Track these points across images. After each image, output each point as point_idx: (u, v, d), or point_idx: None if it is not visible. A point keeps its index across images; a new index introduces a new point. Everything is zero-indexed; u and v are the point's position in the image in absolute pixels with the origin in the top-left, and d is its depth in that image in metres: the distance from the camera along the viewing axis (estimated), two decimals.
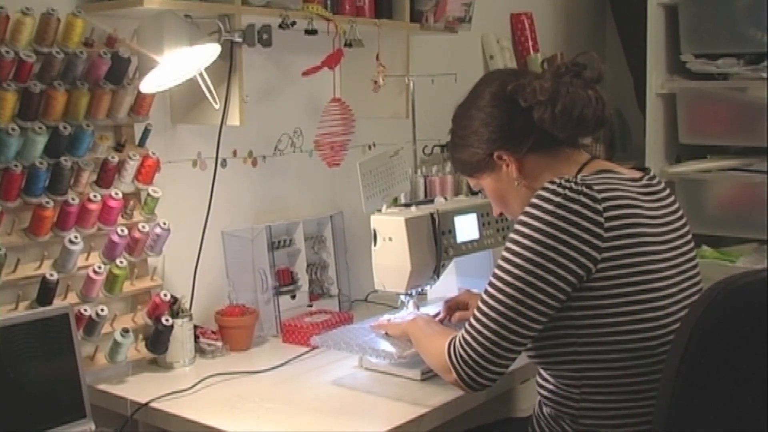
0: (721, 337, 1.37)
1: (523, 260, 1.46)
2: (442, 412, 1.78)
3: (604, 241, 1.43)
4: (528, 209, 1.48)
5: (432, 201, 2.18)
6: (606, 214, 1.44)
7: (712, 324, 1.35)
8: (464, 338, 1.54)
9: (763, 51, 2.86)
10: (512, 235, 1.49)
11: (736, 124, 3.04)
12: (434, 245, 1.99)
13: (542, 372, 1.62)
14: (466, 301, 2.04)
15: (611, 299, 1.45)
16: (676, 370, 1.35)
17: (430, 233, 1.99)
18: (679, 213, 1.62)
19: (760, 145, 2.90)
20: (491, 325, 1.49)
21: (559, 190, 1.45)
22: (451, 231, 2.04)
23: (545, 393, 1.61)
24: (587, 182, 1.47)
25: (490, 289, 1.50)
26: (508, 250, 1.49)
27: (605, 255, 1.43)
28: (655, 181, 1.62)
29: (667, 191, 1.64)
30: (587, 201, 1.44)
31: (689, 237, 1.62)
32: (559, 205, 1.44)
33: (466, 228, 2.09)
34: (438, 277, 2.05)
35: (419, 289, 2.06)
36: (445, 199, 2.23)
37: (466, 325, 1.54)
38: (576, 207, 1.43)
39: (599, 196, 1.45)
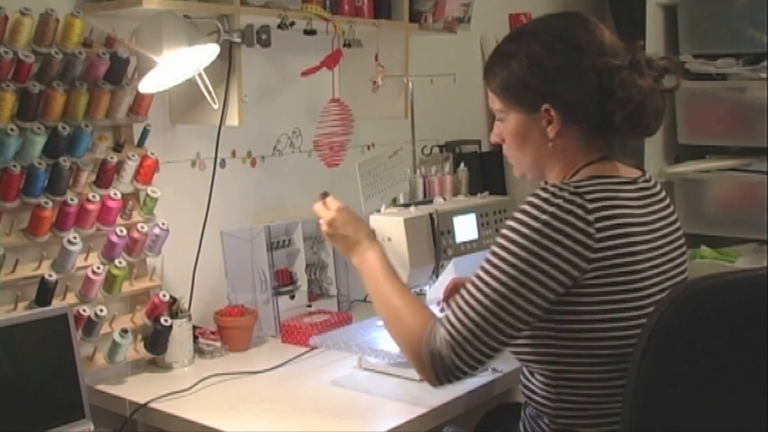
0: (683, 339, 1.37)
1: (509, 266, 1.43)
2: (441, 412, 1.78)
3: (594, 252, 1.42)
4: (519, 215, 1.45)
5: (431, 201, 2.18)
6: (597, 225, 1.43)
7: (673, 325, 1.35)
8: (447, 335, 1.47)
9: (762, 51, 2.86)
10: (500, 240, 1.46)
11: (735, 124, 3.03)
12: (433, 245, 1.99)
13: (525, 370, 1.61)
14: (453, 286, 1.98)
15: (595, 306, 1.44)
16: (636, 370, 1.35)
17: (429, 233, 1.99)
18: (672, 218, 1.60)
19: (759, 146, 2.90)
20: (471, 325, 1.45)
21: (553, 199, 1.43)
22: (450, 231, 2.04)
23: (527, 392, 1.60)
24: (581, 191, 1.45)
25: (472, 290, 1.46)
26: (494, 254, 1.46)
27: (594, 265, 1.42)
28: (651, 184, 1.60)
29: (662, 195, 1.61)
30: (579, 212, 1.42)
31: (680, 243, 1.60)
32: (552, 215, 1.42)
33: (465, 228, 2.08)
34: (437, 277, 2.05)
35: (418, 289, 2.06)
36: (444, 199, 2.23)
37: (447, 323, 1.48)
38: (569, 218, 1.42)
39: (590, 206, 1.43)
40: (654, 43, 3.10)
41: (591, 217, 1.43)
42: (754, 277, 1.45)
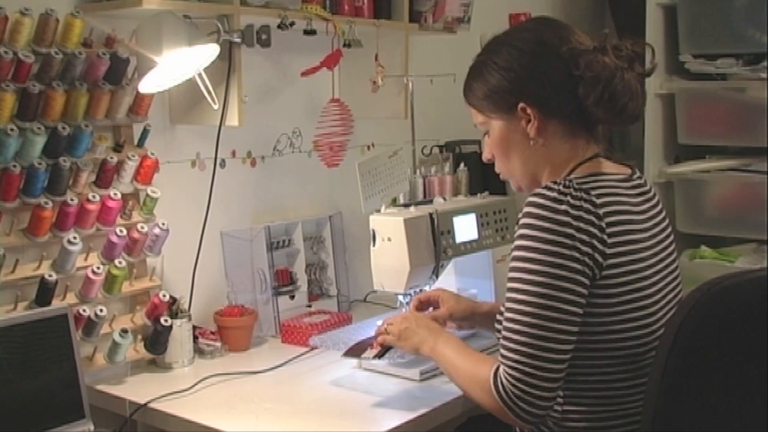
0: (706, 339, 1.36)
1: (539, 275, 1.40)
2: (441, 413, 1.78)
3: (608, 247, 1.42)
4: (530, 220, 1.42)
5: (431, 201, 2.18)
6: (606, 220, 1.43)
7: (696, 326, 1.34)
8: (508, 369, 1.42)
9: (762, 51, 2.86)
10: (519, 252, 1.43)
11: (735, 124, 3.03)
12: (433, 245, 1.99)
13: None
14: (437, 297, 1.95)
15: (611, 306, 1.43)
16: (661, 373, 1.34)
17: (428, 233, 1.99)
18: (662, 216, 1.60)
19: (759, 146, 2.90)
20: (526, 349, 1.40)
21: (561, 198, 1.42)
22: (450, 231, 2.04)
23: None
24: (585, 187, 1.44)
25: (511, 315, 1.43)
26: (519, 269, 1.43)
27: (609, 261, 1.42)
28: (642, 181, 1.60)
29: (653, 193, 1.61)
30: (590, 207, 1.42)
31: (671, 240, 1.59)
32: (566, 214, 1.40)
33: (465, 228, 2.09)
34: (437, 277, 2.05)
35: (418, 289, 2.06)
36: (444, 199, 2.23)
37: (503, 359, 1.43)
38: (581, 214, 1.41)
39: (598, 201, 1.43)
40: (654, 43, 3.04)
41: (600, 212, 1.43)
42: None
